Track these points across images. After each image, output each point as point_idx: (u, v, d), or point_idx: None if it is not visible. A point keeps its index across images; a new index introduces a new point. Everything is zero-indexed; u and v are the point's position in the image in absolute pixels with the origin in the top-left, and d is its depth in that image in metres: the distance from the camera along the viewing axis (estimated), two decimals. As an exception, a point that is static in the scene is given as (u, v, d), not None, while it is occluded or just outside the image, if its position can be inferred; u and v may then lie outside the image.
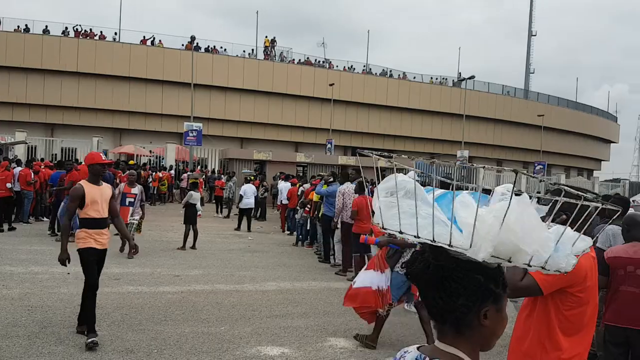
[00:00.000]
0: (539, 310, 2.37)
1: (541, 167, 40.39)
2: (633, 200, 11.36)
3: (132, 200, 10.17)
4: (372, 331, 5.61)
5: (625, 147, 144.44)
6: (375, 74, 46.53)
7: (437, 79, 48.90)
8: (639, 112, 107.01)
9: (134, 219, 10.12)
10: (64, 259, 5.09)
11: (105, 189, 5.33)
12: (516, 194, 1.20)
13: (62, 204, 10.97)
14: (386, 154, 1.49)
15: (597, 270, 2.45)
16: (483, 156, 48.24)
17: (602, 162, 65.14)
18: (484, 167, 1.46)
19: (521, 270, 2.34)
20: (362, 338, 5.66)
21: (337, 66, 45.31)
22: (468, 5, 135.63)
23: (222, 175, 24.39)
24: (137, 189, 10.27)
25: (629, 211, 4.88)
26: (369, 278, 5.44)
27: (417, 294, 6.44)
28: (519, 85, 58.15)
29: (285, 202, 15.76)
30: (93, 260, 5.16)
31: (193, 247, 11.09)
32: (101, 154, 5.53)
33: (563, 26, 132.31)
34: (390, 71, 47.30)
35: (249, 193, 15.18)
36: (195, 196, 11.02)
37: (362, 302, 5.43)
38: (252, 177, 18.00)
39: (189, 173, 24.04)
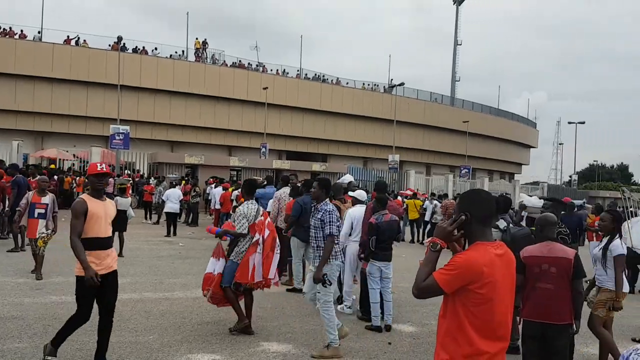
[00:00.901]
0: (450, 307, 2.46)
1: (466, 171, 42.14)
2: (521, 201, 12.01)
3: (43, 211, 8.63)
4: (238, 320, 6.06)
5: (544, 151, 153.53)
6: (309, 78, 46.92)
7: (369, 84, 49.99)
8: (557, 118, 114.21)
9: (43, 234, 8.60)
10: (93, 277, 4.35)
11: (109, 204, 4.76)
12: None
13: None
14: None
15: (506, 267, 2.46)
16: (413, 160, 49.72)
17: (523, 166, 68.96)
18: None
19: (426, 271, 2.46)
20: (235, 328, 6.05)
21: (271, 70, 45.27)
22: (397, 14, 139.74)
23: (151, 180, 23.68)
24: (48, 198, 8.81)
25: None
26: (211, 264, 6.02)
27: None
28: (445, 92, 60.58)
29: (218, 207, 15.52)
30: (92, 291, 4.50)
31: (120, 254, 10.68)
32: (98, 164, 4.67)
33: (487, 36, 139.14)
34: (324, 76, 47.85)
35: (173, 197, 14.87)
36: (122, 202, 10.62)
37: (205, 286, 6.04)
38: (179, 182, 17.61)
39: (116, 178, 23.04)
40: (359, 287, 7.33)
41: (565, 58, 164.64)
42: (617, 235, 5.15)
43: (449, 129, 51.66)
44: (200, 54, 42.25)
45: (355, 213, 7.29)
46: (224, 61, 43.53)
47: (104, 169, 4.67)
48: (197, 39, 42.92)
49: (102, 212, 4.60)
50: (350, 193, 8.14)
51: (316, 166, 32.46)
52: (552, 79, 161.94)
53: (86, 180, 22.49)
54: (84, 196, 4.66)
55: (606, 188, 62.50)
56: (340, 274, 7.66)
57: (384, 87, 49.89)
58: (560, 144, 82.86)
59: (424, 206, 17.57)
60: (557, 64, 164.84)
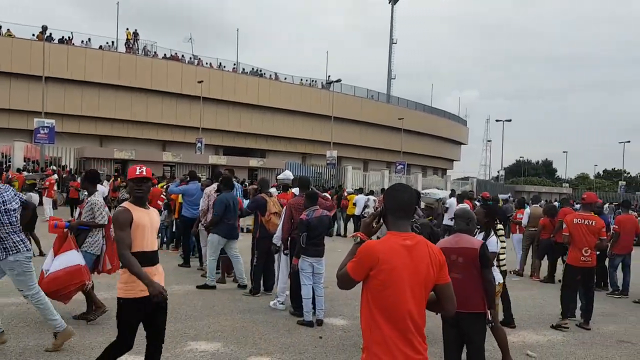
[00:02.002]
0: (363, 296, 2.57)
1: (402, 166, 43.17)
2: (424, 192, 12.46)
3: None
4: (88, 308, 6.09)
5: (474, 148, 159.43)
6: (247, 73, 46.37)
7: (307, 80, 50.06)
8: (486, 116, 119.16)
9: None
10: (161, 292, 3.77)
11: (154, 213, 4.14)
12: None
13: None
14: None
15: (412, 258, 2.49)
16: (351, 156, 50.36)
17: (454, 162, 71.53)
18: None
19: (345, 262, 2.62)
20: (81, 316, 6.07)
21: (206, 63, 44.36)
22: (334, 11, 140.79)
23: (77, 176, 22.58)
24: None
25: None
26: (73, 257, 5.75)
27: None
28: (382, 89, 61.76)
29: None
30: (140, 315, 3.87)
31: (41, 253, 10.10)
32: (137, 168, 4.00)
33: (421, 35, 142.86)
34: (261, 71, 47.44)
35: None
36: (31, 198, 10.00)
37: (66, 282, 5.66)
38: (107, 178, 16.90)
39: (25, 173, 21.58)
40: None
41: (494, 58, 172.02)
42: (492, 232, 5.24)
43: (385, 126, 52.71)
44: (131, 45, 40.76)
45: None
46: (155, 52, 42.20)
47: (144, 173, 3.97)
48: (127, 29, 41.40)
49: (147, 222, 3.97)
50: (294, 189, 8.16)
51: (254, 162, 32.22)
52: (482, 79, 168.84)
53: (6, 175, 21.12)
54: (127, 204, 3.94)
55: (531, 183, 65.87)
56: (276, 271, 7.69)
57: (322, 83, 50.16)
58: (489, 141, 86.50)
59: (354, 201, 17.83)
60: (486, 64, 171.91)
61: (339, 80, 42.58)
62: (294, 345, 5.62)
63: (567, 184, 64.90)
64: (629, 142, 59.03)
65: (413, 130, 54.61)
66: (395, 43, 66.71)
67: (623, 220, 9.36)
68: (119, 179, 19.92)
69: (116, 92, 37.84)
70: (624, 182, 62.10)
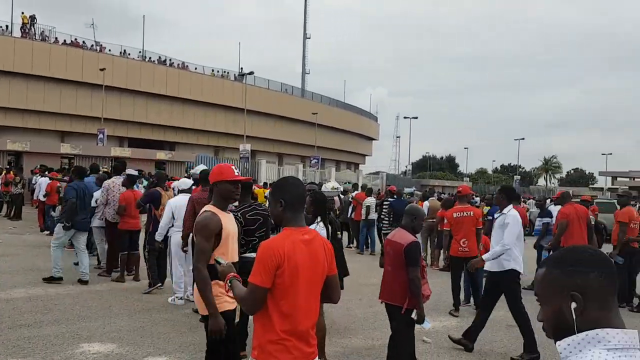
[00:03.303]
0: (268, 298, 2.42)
1: (316, 161, 43.63)
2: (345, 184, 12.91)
3: None
4: None
5: (384, 144, 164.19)
6: (154, 61, 44.50)
7: (218, 71, 48.99)
8: (396, 113, 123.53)
9: None
10: (220, 329, 3.24)
11: (232, 218, 3.66)
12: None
13: None
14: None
15: (310, 253, 2.46)
16: (265, 150, 50.07)
17: (366, 157, 73.46)
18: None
19: (242, 288, 2.53)
20: None
21: (109, 50, 42.03)
22: (248, 2, 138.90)
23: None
24: None
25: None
26: None
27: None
28: (296, 83, 61.90)
29: (43, 198, 14.00)
30: (227, 334, 3.34)
31: None
32: (233, 168, 3.55)
33: (335, 31, 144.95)
34: (170, 59, 45.73)
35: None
36: None
37: None
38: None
39: None
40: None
41: (403, 56, 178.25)
42: (321, 221, 5.44)
43: (300, 120, 52.95)
44: (27, 30, 37.75)
45: (177, 202, 7.07)
46: (56, 38, 39.41)
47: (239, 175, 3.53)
48: (23, 13, 38.27)
49: (233, 229, 3.51)
50: (175, 183, 7.97)
51: (161, 154, 31.02)
52: (392, 76, 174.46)
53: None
54: (212, 208, 3.39)
55: (436, 177, 69.31)
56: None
57: (235, 75, 49.32)
58: (398, 137, 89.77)
59: (266, 195, 17.78)
60: (396, 62, 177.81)
61: (251, 73, 41.97)
62: (195, 344, 5.47)
63: (468, 178, 68.87)
64: (523, 139, 63.66)
65: (327, 125, 55.33)
66: (309, 38, 67.12)
67: (513, 212, 10.03)
68: (11, 172, 18.39)
69: (11, 79, 34.90)
70: (519, 177, 67.00)
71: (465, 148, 78.65)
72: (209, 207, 3.39)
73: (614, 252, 8.22)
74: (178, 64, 46.01)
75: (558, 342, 1.26)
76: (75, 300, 7.01)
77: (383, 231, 13.04)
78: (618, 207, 9.30)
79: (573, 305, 1.25)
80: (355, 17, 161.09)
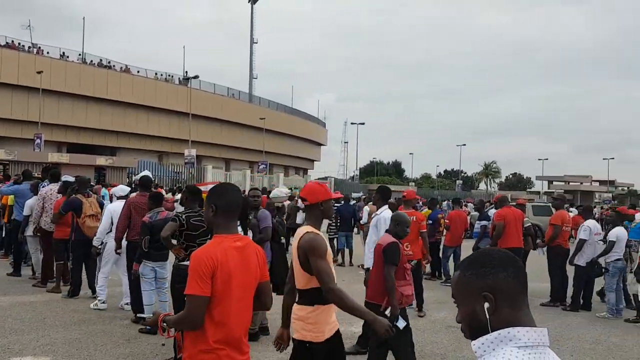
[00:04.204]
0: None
1: (264, 166, 43.44)
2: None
3: None
4: None
5: (333, 149, 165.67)
6: (94, 64, 43.05)
7: (162, 75, 47.96)
8: (344, 118, 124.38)
9: None
10: (386, 329, 2.98)
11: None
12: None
13: None
14: None
15: (242, 260, 2.45)
16: (211, 155, 49.36)
17: (315, 162, 73.82)
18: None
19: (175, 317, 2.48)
20: None
21: (47, 52, 40.35)
22: (194, 5, 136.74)
23: None
24: None
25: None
26: None
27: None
28: (243, 88, 61.47)
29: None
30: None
31: None
32: (330, 188, 3.25)
33: (282, 35, 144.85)
34: (110, 62, 44.35)
35: None
36: None
37: None
38: None
39: None
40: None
41: (349, 63, 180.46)
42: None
43: (248, 125, 52.58)
44: (-43, 28, 35.72)
45: (115, 207, 6.99)
46: (-11, 39, 37.51)
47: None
48: (-49, 10, 36.23)
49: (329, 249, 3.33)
50: (113, 190, 7.80)
51: (101, 160, 30.01)
52: (341, 82, 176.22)
53: None
54: (313, 230, 3.17)
55: (383, 182, 70.44)
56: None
57: (179, 78, 48.39)
58: (345, 142, 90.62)
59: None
60: (344, 69, 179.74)
61: (196, 77, 41.24)
62: (133, 355, 5.32)
63: (413, 183, 70.42)
64: (465, 145, 65.90)
65: (275, 130, 55.18)
66: (257, 42, 66.91)
67: (454, 216, 10.35)
68: None
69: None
70: (461, 181, 69.32)
71: (410, 154, 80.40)
72: (309, 229, 3.12)
73: (540, 243, 8.69)
74: (120, 67, 44.71)
75: (473, 342, 1.32)
76: (7, 313, 6.66)
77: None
78: (553, 210, 9.71)
79: (486, 305, 1.31)
80: (303, 23, 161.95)
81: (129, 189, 7.83)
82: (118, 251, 6.73)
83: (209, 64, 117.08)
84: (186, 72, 47.97)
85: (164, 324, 2.48)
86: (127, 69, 45.01)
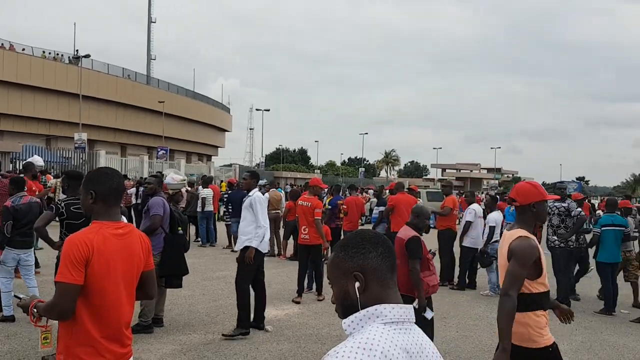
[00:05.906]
0: None
1: (164, 152, 41.74)
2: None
3: None
4: None
5: (239, 135, 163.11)
6: (-28, 39, 38.87)
7: (50, 53, 44.41)
8: (249, 104, 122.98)
9: None
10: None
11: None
12: None
13: None
14: None
15: (123, 248, 2.34)
16: (105, 140, 46.64)
17: (219, 148, 72.31)
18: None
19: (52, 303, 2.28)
20: None
21: None
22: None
23: None
24: None
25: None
26: None
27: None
28: (141, 69, 58.53)
29: None
30: None
31: None
32: (541, 187, 3.12)
33: (182, 16, 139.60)
34: (-9, 38, 40.29)
35: None
36: None
37: None
38: None
39: None
40: None
41: (252, 49, 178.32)
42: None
43: (145, 109, 50.22)
44: None
45: None
46: None
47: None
48: None
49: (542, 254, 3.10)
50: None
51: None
52: (244, 68, 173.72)
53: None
54: (527, 234, 2.93)
55: (289, 169, 70.74)
56: None
57: (69, 57, 45.05)
58: (251, 129, 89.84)
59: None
60: (247, 54, 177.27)
61: (87, 56, 38.45)
62: (12, 352, 4.93)
63: (319, 171, 71.50)
64: (367, 134, 67.98)
65: (176, 114, 53.21)
66: (155, 22, 63.70)
67: (350, 201, 10.65)
68: None
69: None
70: (364, 169, 71.44)
71: (316, 141, 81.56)
72: (521, 232, 2.97)
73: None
74: (2, 44, 40.77)
75: (343, 320, 1.35)
76: None
77: (225, 222, 13.14)
78: (444, 196, 10.47)
79: (356, 284, 1.34)
80: (205, 5, 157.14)
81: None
82: None
83: (103, 44, 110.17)
84: (77, 50, 44.78)
85: (35, 310, 2.32)
86: (11, 46, 41.10)
